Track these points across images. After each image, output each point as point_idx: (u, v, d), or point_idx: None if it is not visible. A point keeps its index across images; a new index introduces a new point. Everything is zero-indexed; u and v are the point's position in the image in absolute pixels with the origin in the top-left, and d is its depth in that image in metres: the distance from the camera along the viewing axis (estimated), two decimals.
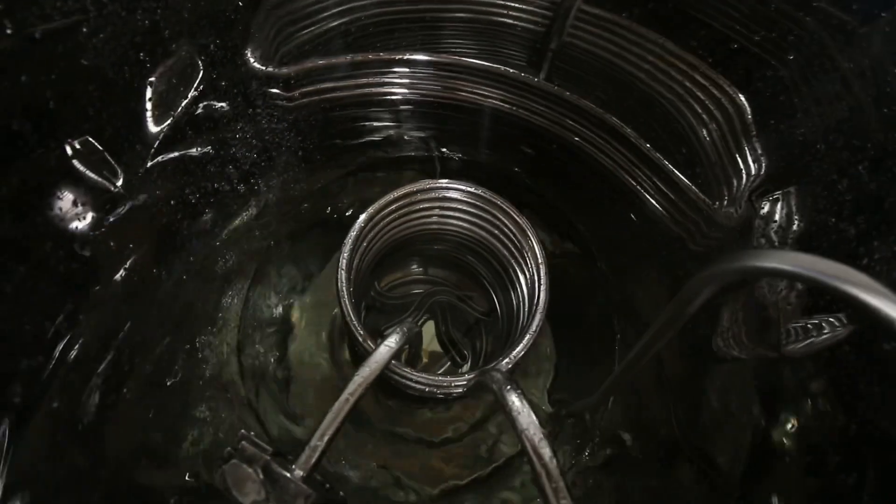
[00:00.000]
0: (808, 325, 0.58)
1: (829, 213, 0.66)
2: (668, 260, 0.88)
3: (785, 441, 0.60)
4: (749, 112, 0.80)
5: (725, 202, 0.81)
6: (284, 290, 1.01)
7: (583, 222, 0.99)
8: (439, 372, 1.18)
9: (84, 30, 0.47)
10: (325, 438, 0.56)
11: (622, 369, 0.60)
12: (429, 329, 1.19)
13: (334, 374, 1.00)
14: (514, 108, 0.92)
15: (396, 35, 0.84)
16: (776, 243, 0.70)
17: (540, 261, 0.86)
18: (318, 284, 1.06)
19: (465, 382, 0.74)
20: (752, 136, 0.81)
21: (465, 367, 1.18)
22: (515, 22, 0.85)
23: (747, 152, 0.81)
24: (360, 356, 0.84)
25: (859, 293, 0.32)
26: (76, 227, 0.52)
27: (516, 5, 0.84)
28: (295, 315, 1.03)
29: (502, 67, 0.85)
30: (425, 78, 0.89)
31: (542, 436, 0.47)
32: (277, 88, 0.72)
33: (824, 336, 0.56)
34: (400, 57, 0.83)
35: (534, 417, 0.48)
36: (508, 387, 0.51)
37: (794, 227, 0.70)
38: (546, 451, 0.47)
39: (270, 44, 0.70)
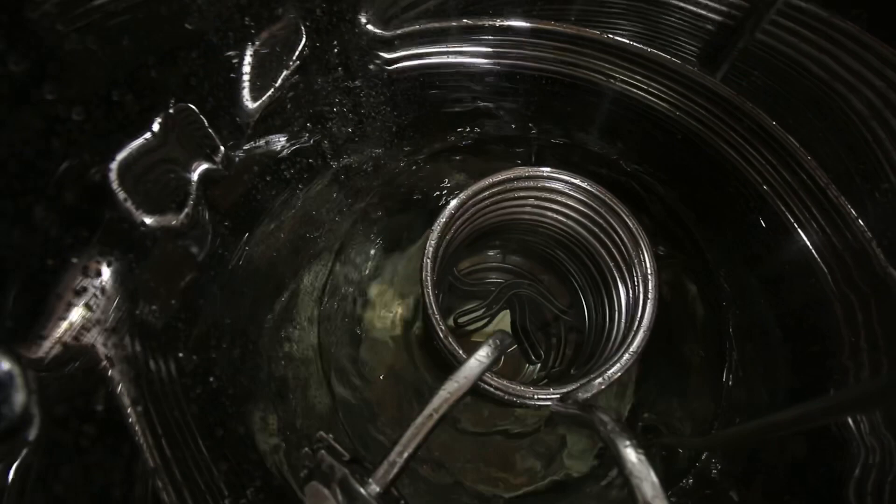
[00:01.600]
0: None
1: None
2: (800, 294, 0.73)
3: None
4: None
5: None
6: (367, 267, 0.99)
7: (704, 234, 0.85)
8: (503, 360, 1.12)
9: None
10: (405, 455, 0.52)
11: (743, 433, 0.49)
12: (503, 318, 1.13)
13: (404, 355, 0.98)
14: (657, 101, 0.77)
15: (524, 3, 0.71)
16: None
17: (650, 274, 0.75)
18: (400, 265, 1.03)
19: (553, 401, 0.67)
20: None
21: (536, 368, 1.11)
22: (698, 10, 0.69)
23: None
24: (436, 349, 0.79)
25: None
26: (173, 201, 0.50)
27: None
28: (374, 292, 1.00)
29: (668, 57, 0.70)
30: (540, 49, 0.77)
31: None
32: (381, 52, 0.65)
33: None
34: (512, 24, 0.71)
35: (661, 489, 0.40)
36: (627, 442, 0.42)
37: None
38: None
39: (381, 5, 0.62)
